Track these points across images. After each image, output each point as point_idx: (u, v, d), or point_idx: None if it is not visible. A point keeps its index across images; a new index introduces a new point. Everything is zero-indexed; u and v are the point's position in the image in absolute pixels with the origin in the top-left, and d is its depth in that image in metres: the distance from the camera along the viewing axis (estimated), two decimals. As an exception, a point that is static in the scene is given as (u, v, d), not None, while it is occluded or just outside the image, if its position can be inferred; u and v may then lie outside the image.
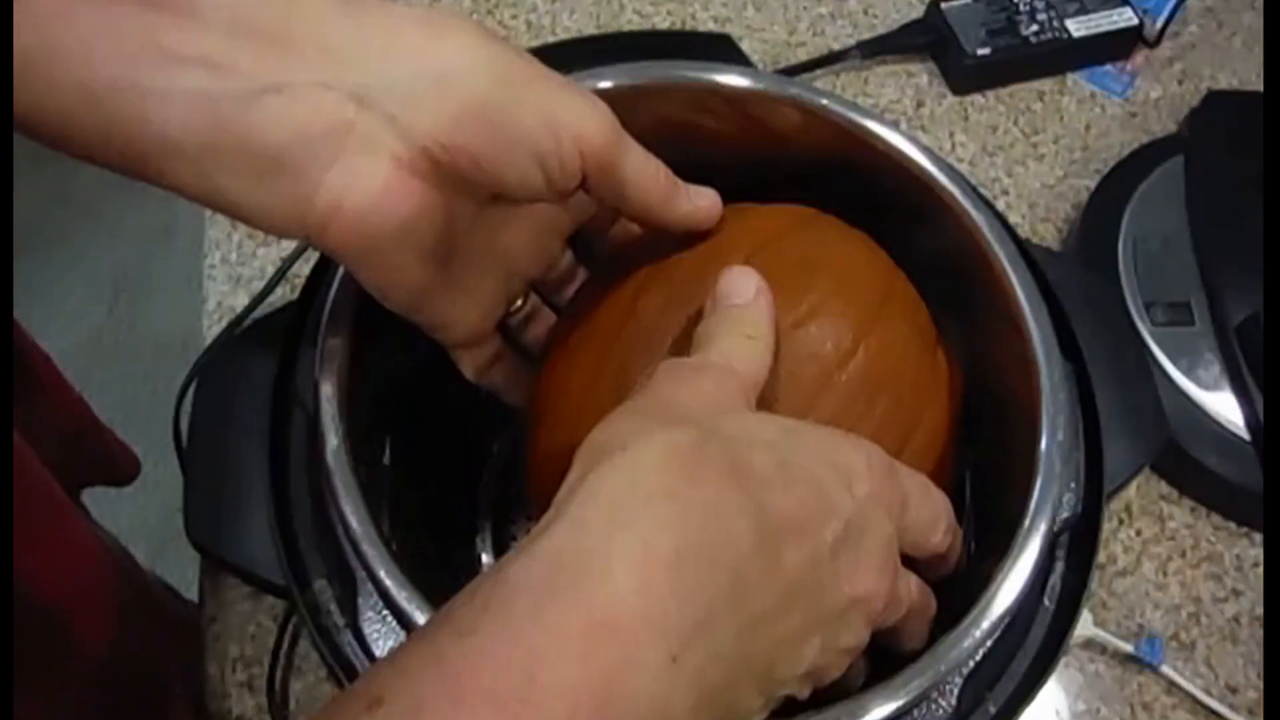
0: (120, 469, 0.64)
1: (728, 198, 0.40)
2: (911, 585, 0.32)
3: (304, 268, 0.43)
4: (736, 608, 0.25)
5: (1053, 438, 0.36)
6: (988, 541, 0.39)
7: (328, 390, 0.37)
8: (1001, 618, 0.33)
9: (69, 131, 0.29)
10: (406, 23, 0.31)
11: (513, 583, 0.24)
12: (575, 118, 0.32)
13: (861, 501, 0.29)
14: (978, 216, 0.40)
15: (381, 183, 0.30)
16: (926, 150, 0.42)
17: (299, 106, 0.29)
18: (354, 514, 0.34)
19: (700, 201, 0.37)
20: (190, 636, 0.48)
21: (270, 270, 0.54)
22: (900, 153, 0.42)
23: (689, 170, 0.37)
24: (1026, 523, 0.35)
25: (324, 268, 0.41)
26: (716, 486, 0.26)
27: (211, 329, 0.55)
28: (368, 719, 0.22)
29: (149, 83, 0.28)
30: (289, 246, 0.56)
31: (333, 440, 0.36)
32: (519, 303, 0.40)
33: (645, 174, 0.34)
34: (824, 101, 0.42)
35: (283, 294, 0.51)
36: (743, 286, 0.33)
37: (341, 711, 0.23)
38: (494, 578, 0.24)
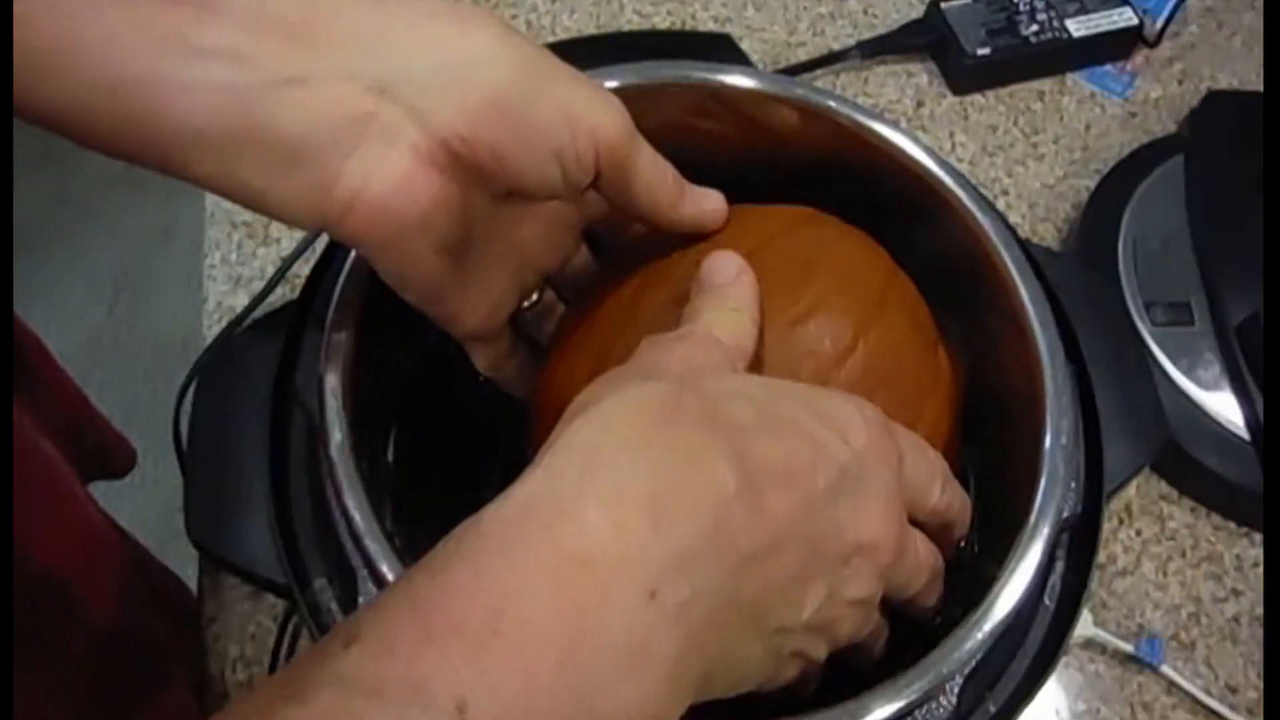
0: (118, 460, 0.64)
1: (728, 197, 0.40)
2: (919, 541, 0.32)
3: (304, 268, 0.43)
4: (721, 548, 0.25)
5: (1056, 440, 0.36)
6: (989, 543, 0.39)
7: (332, 384, 0.37)
8: (1004, 620, 0.33)
9: (92, 123, 0.29)
10: (428, 14, 0.31)
11: (485, 527, 0.24)
12: (592, 112, 0.32)
13: (859, 451, 0.29)
14: (982, 218, 0.40)
15: (401, 173, 0.30)
16: (930, 151, 0.42)
17: (320, 97, 0.29)
18: (357, 508, 0.34)
19: (705, 204, 0.37)
20: (191, 621, 0.48)
21: (270, 270, 0.54)
22: (904, 153, 0.42)
23: (690, 170, 0.37)
24: (1029, 526, 0.35)
25: (324, 268, 0.41)
26: (694, 432, 0.26)
27: (211, 329, 0.55)
28: (344, 656, 0.22)
29: (172, 74, 0.28)
30: (289, 246, 0.56)
31: (336, 435, 0.36)
32: (534, 297, 0.40)
33: (655, 174, 0.35)
34: (828, 102, 0.42)
35: (283, 294, 0.50)
36: (725, 267, 0.34)
37: (321, 651, 0.23)
38: (469, 524, 0.25)
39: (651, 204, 0.35)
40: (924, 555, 0.32)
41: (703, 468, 0.26)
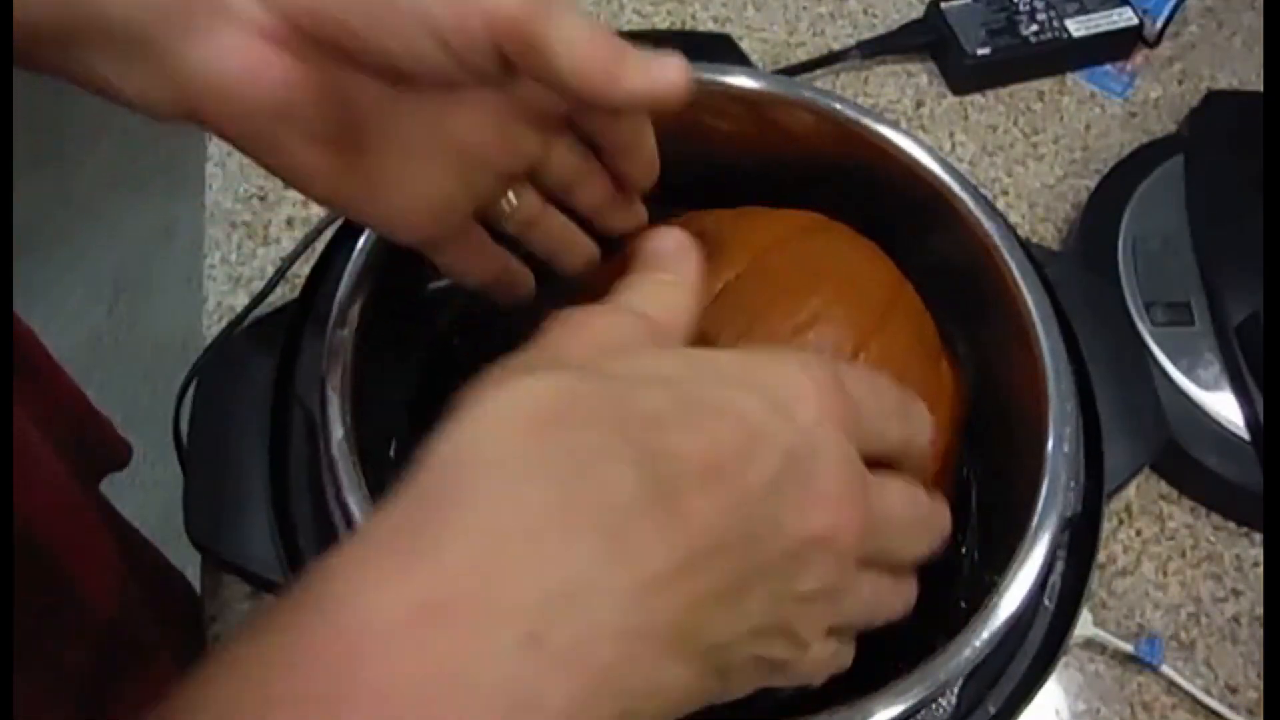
0: (118, 454, 0.64)
1: (735, 200, 0.40)
2: (891, 496, 0.28)
3: (304, 268, 0.43)
4: (619, 571, 0.21)
5: (1059, 446, 0.36)
6: (991, 547, 0.39)
7: (334, 381, 0.37)
8: (1004, 625, 0.33)
9: None
10: None
11: (334, 569, 0.21)
12: None
13: (808, 427, 0.25)
14: (985, 222, 0.40)
15: (242, 56, 0.28)
16: (932, 152, 0.42)
17: None
18: (357, 506, 0.34)
19: (658, 72, 0.29)
20: (189, 611, 0.48)
21: (270, 270, 0.54)
22: (906, 154, 0.42)
23: (691, 170, 0.37)
24: (1030, 532, 0.35)
25: (324, 268, 0.41)
26: (588, 433, 0.22)
27: (211, 329, 0.55)
28: None
29: None
30: (289, 246, 0.56)
31: (338, 431, 0.36)
32: (512, 202, 0.35)
33: (580, 48, 0.28)
34: (829, 103, 0.42)
35: (283, 294, 0.50)
36: (663, 239, 0.30)
37: None
38: (318, 565, 0.21)
39: (585, 84, 0.29)
40: (900, 509, 0.28)
41: (595, 477, 0.22)
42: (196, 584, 0.49)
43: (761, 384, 0.26)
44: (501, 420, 0.23)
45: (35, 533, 0.42)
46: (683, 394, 0.24)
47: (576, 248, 0.38)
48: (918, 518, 0.29)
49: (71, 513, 0.48)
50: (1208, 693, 0.48)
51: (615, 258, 0.41)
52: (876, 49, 0.66)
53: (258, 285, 0.53)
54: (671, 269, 0.30)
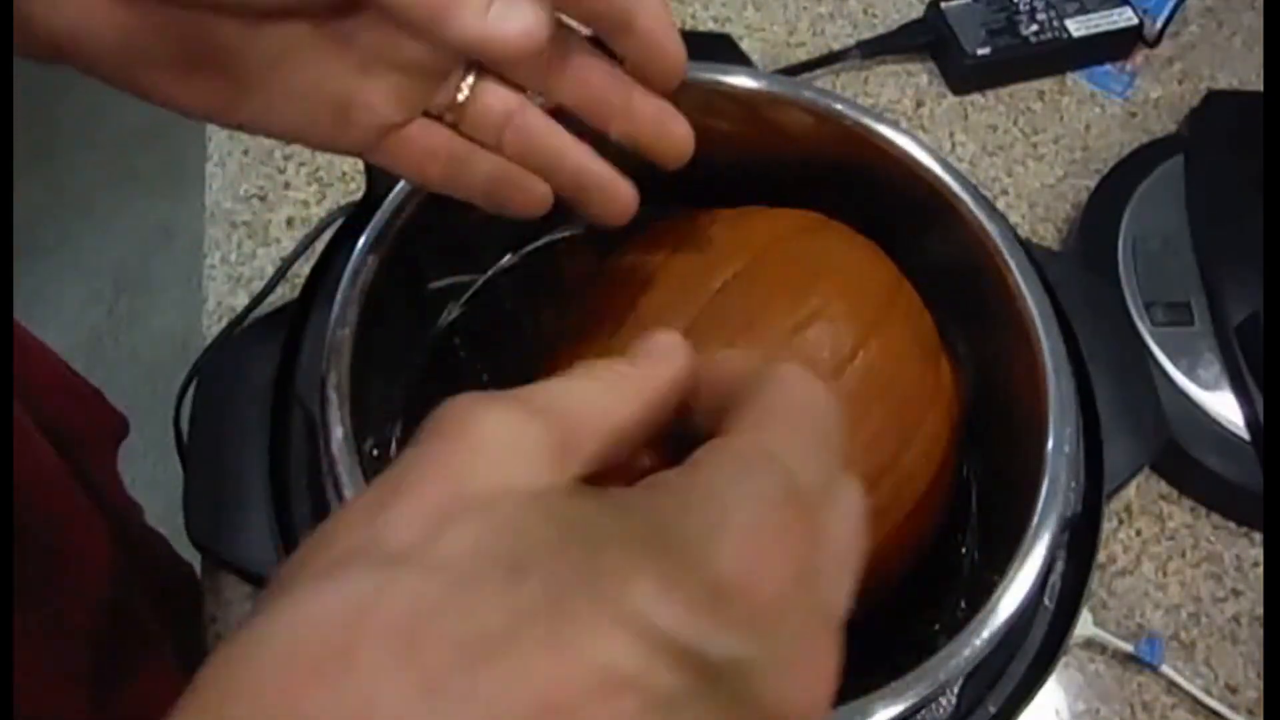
0: (112, 426, 0.63)
1: (735, 200, 0.40)
2: (844, 567, 0.21)
3: (304, 267, 0.43)
4: None
5: (1059, 448, 0.36)
6: (991, 549, 0.39)
7: (334, 380, 0.37)
8: (1004, 625, 0.33)
9: None
10: None
11: None
12: None
13: (759, 611, 0.18)
14: (989, 225, 0.40)
15: (73, 6, 0.28)
16: (933, 153, 0.42)
17: None
18: (358, 504, 0.34)
19: (506, 25, 0.27)
20: (192, 604, 0.48)
21: (270, 270, 0.54)
22: (907, 154, 0.42)
23: (692, 171, 0.37)
24: (1030, 533, 0.35)
25: (324, 268, 0.41)
26: (371, 679, 0.16)
27: (211, 329, 0.55)
28: None
29: None
30: (289, 246, 0.56)
31: (338, 431, 0.36)
32: (463, 93, 0.32)
33: None
34: (830, 103, 0.42)
35: (283, 294, 0.50)
36: (653, 337, 0.25)
37: None
38: None
39: (411, 19, 0.27)
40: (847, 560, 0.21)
41: None
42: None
43: (681, 552, 0.18)
44: (269, 656, 0.17)
45: (30, 516, 0.42)
46: (537, 594, 0.17)
47: (568, 154, 0.34)
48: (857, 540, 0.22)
49: (62, 494, 0.48)
50: (1208, 693, 0.48)
51: (615, 255, 0.41)
52: (876, 49, 0.66)
53: (258, 285, 0.53)
54: (633, 358, 0.23)
